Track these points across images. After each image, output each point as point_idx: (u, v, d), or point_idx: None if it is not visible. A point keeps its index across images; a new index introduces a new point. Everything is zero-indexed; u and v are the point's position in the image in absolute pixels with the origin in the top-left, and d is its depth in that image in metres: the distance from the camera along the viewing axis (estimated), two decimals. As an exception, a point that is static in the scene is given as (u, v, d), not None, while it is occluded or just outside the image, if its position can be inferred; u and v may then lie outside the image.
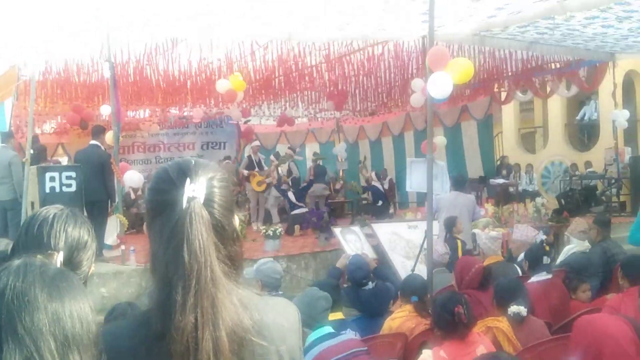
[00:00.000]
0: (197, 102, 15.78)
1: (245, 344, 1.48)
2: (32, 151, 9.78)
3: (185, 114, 17.63)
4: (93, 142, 10.17)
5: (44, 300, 1.16)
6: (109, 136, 9.96)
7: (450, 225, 8.48)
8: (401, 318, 5.21)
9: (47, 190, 8.73)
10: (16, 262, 1.24)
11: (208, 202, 1.49)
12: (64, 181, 8.86)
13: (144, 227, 1.62)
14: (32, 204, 8.80)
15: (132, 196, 15.26)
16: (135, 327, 1.50)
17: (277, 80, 13.59)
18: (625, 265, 5.69)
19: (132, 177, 10.18)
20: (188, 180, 1.47)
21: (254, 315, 1.52)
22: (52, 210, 2.14)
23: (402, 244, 9.77)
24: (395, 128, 18.93)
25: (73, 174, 9.01)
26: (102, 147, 10.13)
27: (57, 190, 8.77)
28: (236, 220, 1.63)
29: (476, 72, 11.01)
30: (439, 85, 5.96)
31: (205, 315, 1.41)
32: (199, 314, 1.40)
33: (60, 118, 15.95)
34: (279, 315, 1.63)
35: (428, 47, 6.73)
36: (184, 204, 1.45)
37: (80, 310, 1.21)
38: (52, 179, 8.81)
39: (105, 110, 11.20)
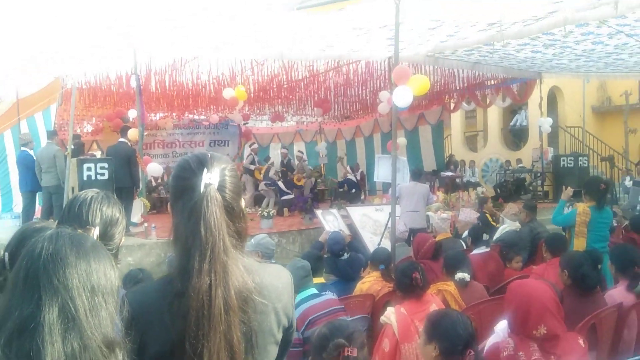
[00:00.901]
0: (206, 108, 15.81)
1: (249, 302, 1.50)
2: (72, 146, 9.84)
3: (196, 117, 17.69)
4: (121, 139, 10.19)
5: (74, 259, 1.17)
6: (134, 134, 9.92)
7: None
8: (370, 282, 5.23)
9: (85, 178, 8.81)
10: (49, 231, 1.25)
11: (221, 188, 1.52)
12: (98, 171, 8.94)
13: (168, 206, 1.63)
14: (72, 189, 8.85)
15: (153, 183, 15.21)
16: (160, 287, 1.51)
17: (271, 90, 13.59)
18: (548, 241, 5.76)
19: (153, 168, 10.27)
20: (205, 169, 1.51)
21: (256, 278, 1.54)
22: (89, 193, 2.14)
23: (370, 223, 9.82)
24: (366, 130, 18.95)
25: (105, 165, 9.08)
26: (129, 144, 10.11)
27: (93, 178, 8.84)
28: (242, 203, 1.65)
29: (431, 86, 11.02)
30: (402, 96, 5.98)
31: (218, 277, 1.43)
32: (213, 277, 1.43)
33: (95, 119, 15.95)
34: (275, 279, 1.65)
35: (393, 65, 6.74)
36: (202, 189, 1.48)
37: (104, 267, 1.22)
38: (89, 169, 8.89)
39: (132, 114, 11.15)
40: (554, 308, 2.99)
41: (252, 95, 13.10)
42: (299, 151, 17.78)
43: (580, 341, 3.06)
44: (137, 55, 9.20)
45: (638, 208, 9.29)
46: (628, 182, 10.79)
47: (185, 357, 1.40)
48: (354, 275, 6.13)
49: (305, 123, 20.17)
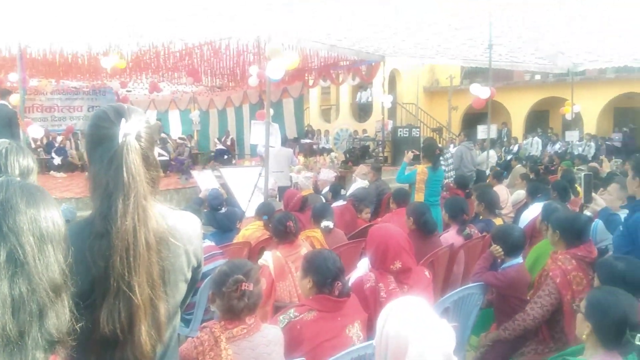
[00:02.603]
0: (85, 75, 14.78)
1: (164, 243, 1.46)
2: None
3: (75, 84, 16.52)
4: (1, 102, 9.22)
5: (24, 207, 1.08)
6: (15, 99, 9.04)
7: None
8: (253, 229, 5.21)
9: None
10: None
11: (138, 137, 1.44)
12: (-18, 131, 8.00)
13: (84, 155, 1.53)
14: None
15: (33, 145, 14.01)
16: (80, 229, 1.40)
17: (149, 61, 12.94)
18: (394, 195, 6.03)
19: (34, 130, 9.49)
20: (124, 119, 1.42)
21: (169, 222, 1.51)
22: (2, 145, 1.93)
23: (240, 182, 9.74)
24: (236, 101, 18.62)
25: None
26: (9, 106, 9.19)
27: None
28: (156, 152, 1.56)
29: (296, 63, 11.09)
30: (275, 69, 5.94)
31: (140, 219, 1.38)
32: (136, 219, 1.37)
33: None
34: (187, 224, 1.61)
35: (266, 43, 6.67)
36: (121, 138, 1.40)
37: (52, 215, 1.13)
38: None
39: (13, 78, 10.13)
40: (407, 246, 3.16)
41: (130, 65, 12.39)
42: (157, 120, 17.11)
43: (426, 273, 3.28)
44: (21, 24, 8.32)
45: (459, 171, 9.97)
46: (452, 149, 11.58)
47: (107, 293, 1.34)
48: (231, 226, 6.09)
49: (180, 92, 19.45)
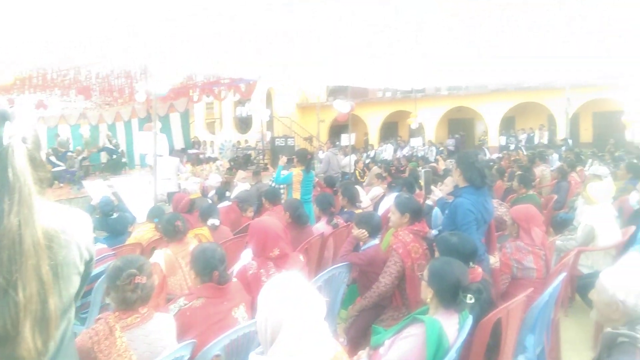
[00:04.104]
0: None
1: (54, 238, 1.35)
2: None
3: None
4: None
5: None
6: None
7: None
8: (144, 232, 4.97)
9: None
10: None
11: (24, 139, 1.33)
12: None
13: None
14: None
15: None
16: None
17: (37, 78, 11.82)
18: (266, 195, 5.97)
19: None
20: (8, 122, 1.30)
21: (60, 218, 1.40)
22: None
23: (131, 190, 9.26)
24: (125, 115, 17.59)
25: None
26: None
27: None
28: (42, 154, 1.45)
29: (180, 81, 10.76)
30: (161, 85, 5.73)
31: (26, 218, 1.27)
32: (22, 217, 1.26)
33: None
34: (76, 219, 1.50)
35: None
36: (6, 140, 1.27)
37: None
38: None
39: None
40: (283, 235, 3.21)
41: (16, 82, 11.25)
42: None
43: (301, 257, 3.35)
44: None
45: (327, 173, 10.27)
46: (322, 155, 11.92)
47: None
48: (123, 230, 5.76)
49: (70, 109, 17.99)
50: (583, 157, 12.67)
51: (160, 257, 3.75)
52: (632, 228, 4.68)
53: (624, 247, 4.54)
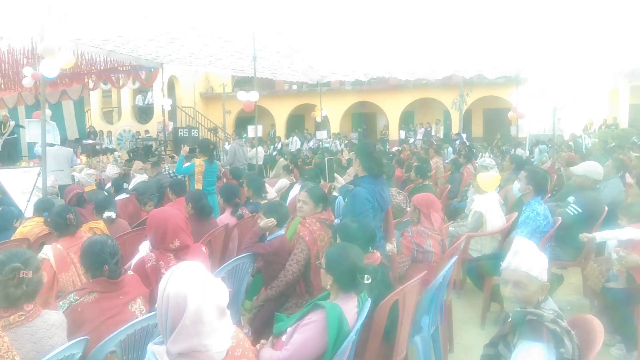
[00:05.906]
0: None
1: None
2: None
3: None
4: None
5: None
6: None
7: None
8: (31, 226, 4.59)
9: None
10: None
11: None
12: None
13: None
14: None
15: None
16: None
17: None
18: (171, 185, 5.78)
19: None
20: None
21: None
22: None
23: (17, 183, 8.50)
24: (10, 102, 16.03)
25: None
26: None
27: None
28: None
29: (73, 67, 10.05)
30: (51, 67, 5.28)
31: None
32: None
33: None
34: None
35: (39, 43, 5.88)
36: None
37: None
38: None
39: None
40: (184, 226, 3.12)
41: None
42: None
43: (203, 249, 3.28)
44: None
45: (233, 165, 10.12)
46: (227, 146, 11.71)
47: None
48: (7, 225, 5.25)
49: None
50: (475, 150, 13.63)
51: (50, 252, 3.49)
52: (515, 214, 5.11)
53: (507, 231, 4.96)
